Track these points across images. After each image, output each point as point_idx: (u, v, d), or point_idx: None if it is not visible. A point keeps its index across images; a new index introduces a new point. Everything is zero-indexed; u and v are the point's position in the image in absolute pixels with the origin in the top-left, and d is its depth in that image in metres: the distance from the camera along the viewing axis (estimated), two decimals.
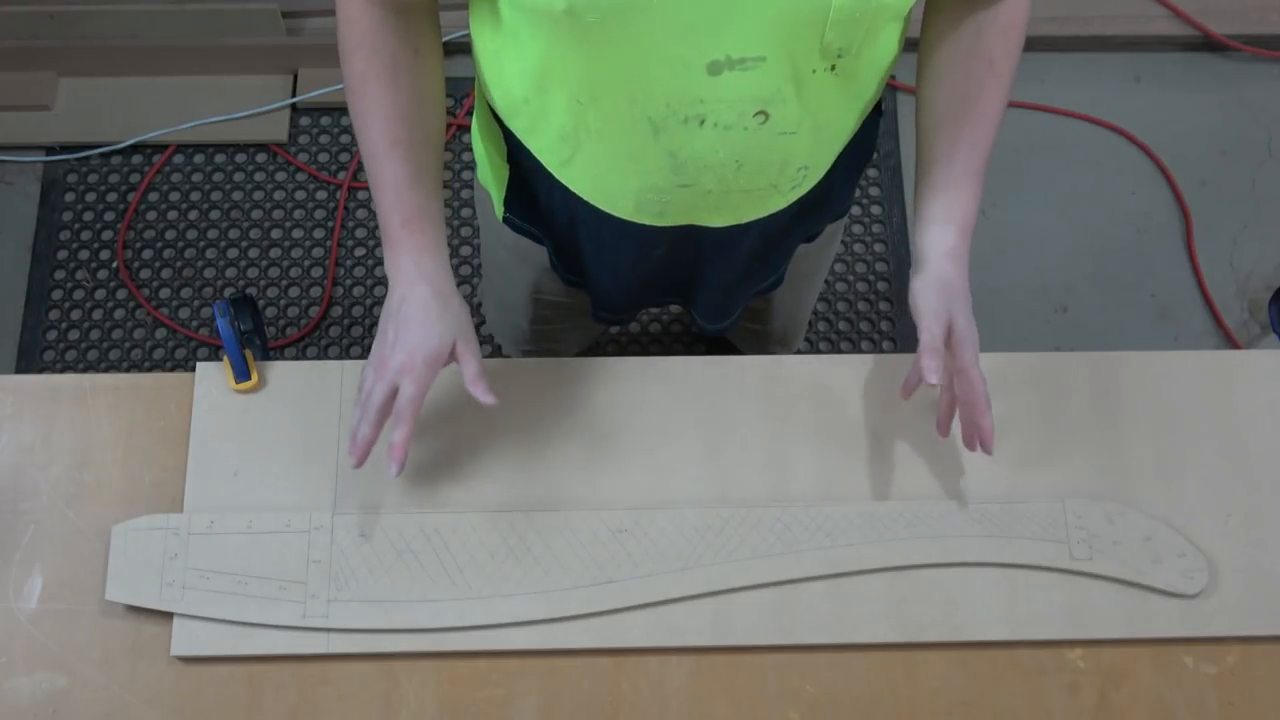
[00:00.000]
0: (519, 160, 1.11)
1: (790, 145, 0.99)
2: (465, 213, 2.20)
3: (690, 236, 1.11)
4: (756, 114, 0.94)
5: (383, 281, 2.13)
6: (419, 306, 1.01)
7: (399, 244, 1.02)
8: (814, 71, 0.92)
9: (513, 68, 0.99)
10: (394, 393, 1.00)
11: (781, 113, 0.95)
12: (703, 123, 0.94)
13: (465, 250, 2.16)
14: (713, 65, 0.89)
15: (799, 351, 2.01)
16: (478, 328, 2.06)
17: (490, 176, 1.18)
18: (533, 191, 1.13)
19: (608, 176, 1.04)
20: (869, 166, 2.24)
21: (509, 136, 1.09)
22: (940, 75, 1.03)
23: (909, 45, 1.04)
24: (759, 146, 0.98)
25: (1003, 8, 1.00)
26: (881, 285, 2.16)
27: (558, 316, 1.39)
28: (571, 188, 1.07)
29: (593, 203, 1.08)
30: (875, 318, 2.13)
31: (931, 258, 1.03)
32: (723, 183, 1.01)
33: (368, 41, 0.98)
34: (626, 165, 1.01)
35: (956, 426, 1.08)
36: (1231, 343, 2.14)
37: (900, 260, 2.18)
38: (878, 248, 2.19)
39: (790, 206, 1.10)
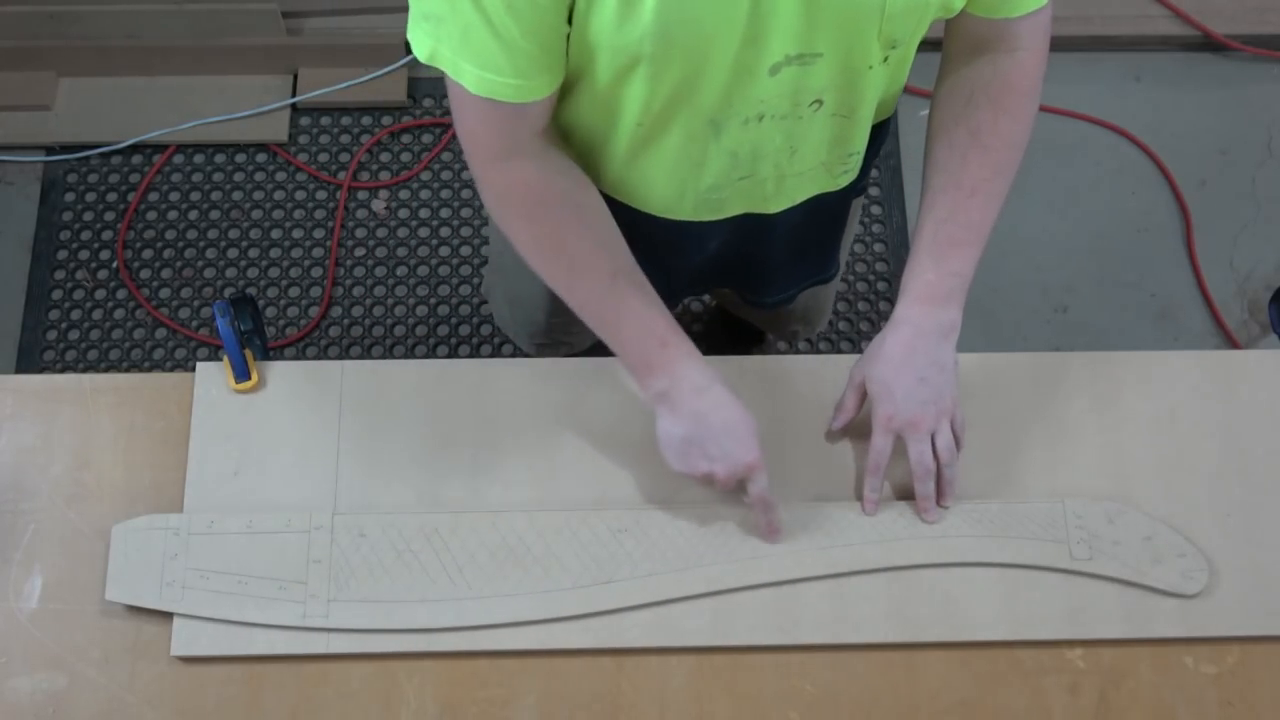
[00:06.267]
0: None
1: (841, 127, 1.01)
2: (466, 212, 2.20)
3: (745, 224, 1.12)
4: (813, 102, 0.96)
5: (383, 282, 2.13)
6: (728, 407, 1.01)
7: (667, 365, 1.01)
8: (870, 68, 0.94)
9: (571, 102, 0.99)
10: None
11: (835, 98, 0.97)
12: (761, 118, 0.96)
13: (465, 250, 2.16)
14: (773, 67, 0.91)
15: (798, 350, 2.01)
16: (487, 318, 2.06)
17: None
18: None
19: (665, 186, 1.05)
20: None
21: None
22: (931, 140, 1.05)
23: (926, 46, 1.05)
24: (814, 131, 1.00)
25: (999, 74, 1.00)
26: (881, 285, 2.16)
27: None
28: (627, 203, 1.08)
29: (648, 211, 1.08)
30: (875, 318, 2.13)
31: (887, 325, 1.07)
32: (778, 168, 1.04)
33: (547, 198, 0.97)
34: (686, 172, 1.02)
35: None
36: (1231, 343, 2.14)
37: (900, 260, 2.18)
38: (878, 248, 2.19)
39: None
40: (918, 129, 2.22)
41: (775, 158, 1.01)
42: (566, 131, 1.04)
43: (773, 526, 1.06)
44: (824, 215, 1.18)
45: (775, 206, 1.10)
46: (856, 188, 1.25)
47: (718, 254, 1.18)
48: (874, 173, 2.24)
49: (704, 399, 1.01)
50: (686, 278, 1.24)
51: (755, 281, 1.30)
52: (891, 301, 2.14)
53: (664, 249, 1.15)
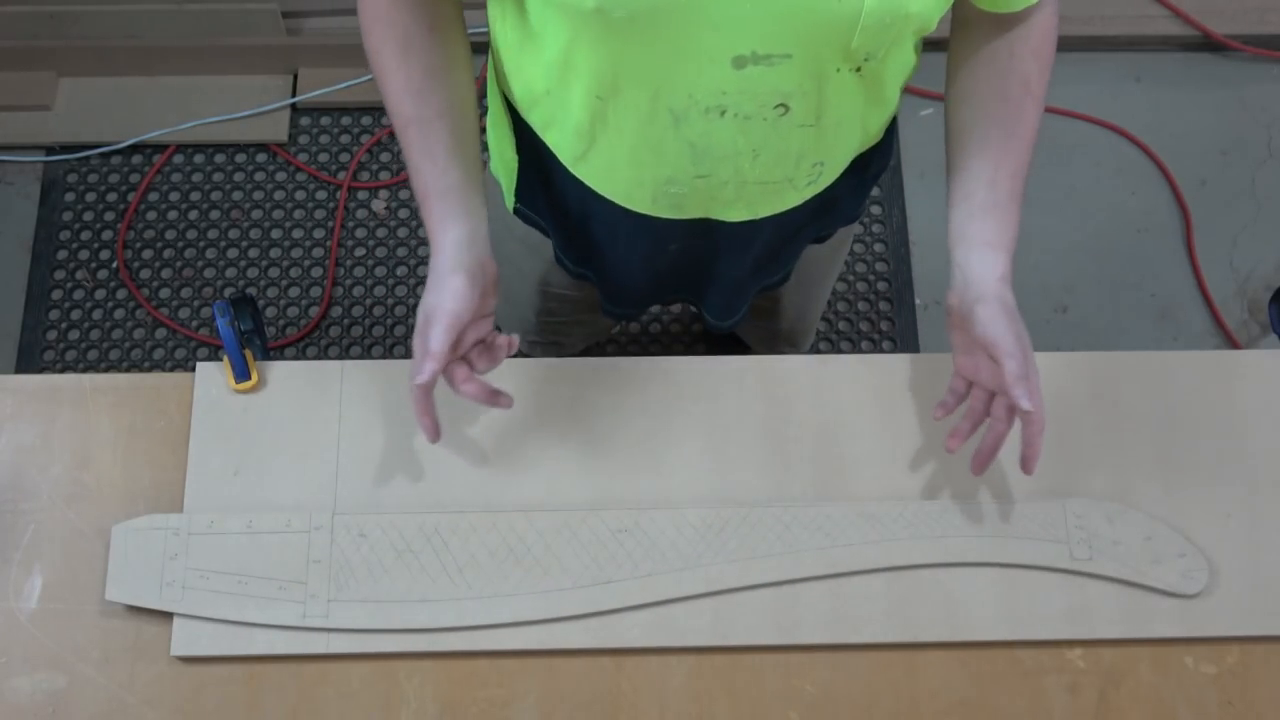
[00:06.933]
0: (531, 151, 1.11)
1: (808, 138, 1.00)
2: None
3: (705, 232, 1.11)
4: (777, 106, 0.95)
5: (382, 282, 2.13)
6: (435, 293, 1.00)
7: (430, 227, 1.03)
8: (838, 70, 0.93)
9: (534, 60, 0.99)
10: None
11: (802, 106, 0.96)
12: (723, 113, 0.95)
13: None
14: (738, 60, 0.90)
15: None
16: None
17: (500, 167, 1.19)
18: (544, 182, 1.13)
19: (625, 170, 1.04)
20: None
21: (519, 127, 1.10)
22: (976, 98, 1.03)
23: (927, 46, 1.04)
24: (777, 137, 0.98)
25: (1034, 29, 1.00)
26: (881, 285, 2.16)
27: (565, 310, 1.39)
28: (587, 182, 1.08)
29: (608, 197, 1.08)
30: (875, 318, 2.13)
31: (990, 282, 1.00)
32: (739, 173, 1.02)
33: (382, 17, 0.99)
34: (645, 157, 1.02)
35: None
36: (1231, 343, 2.14)
37: (899, 260, 2.18)
38: (878, 248, 2.19)
39: (806, 204, 1.10)
40: (917, 128, 2.22)
41: (735, 160, 1.00)
42: (533, 99, 1.05)
43: (424, 421, 1.02)
44: (787, 235, 1.16)
45: (736, 215, 1.09)
46: (848, 215, 1.24)
47: (677, 258, 1.18)
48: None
49: (432, 276, 1.00)
50: (651, 279, 1.24)
51: (710, 295, 1.29)
52: (891, 301, 2.15)
53: (623, 242, 1.15)
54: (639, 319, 2.10)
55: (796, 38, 0.88)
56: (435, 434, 1.03)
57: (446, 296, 0.99)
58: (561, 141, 1.06)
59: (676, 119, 0.96)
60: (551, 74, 0.99)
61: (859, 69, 0.94)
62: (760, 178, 1.03)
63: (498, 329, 1.05)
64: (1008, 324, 0.98)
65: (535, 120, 1.07)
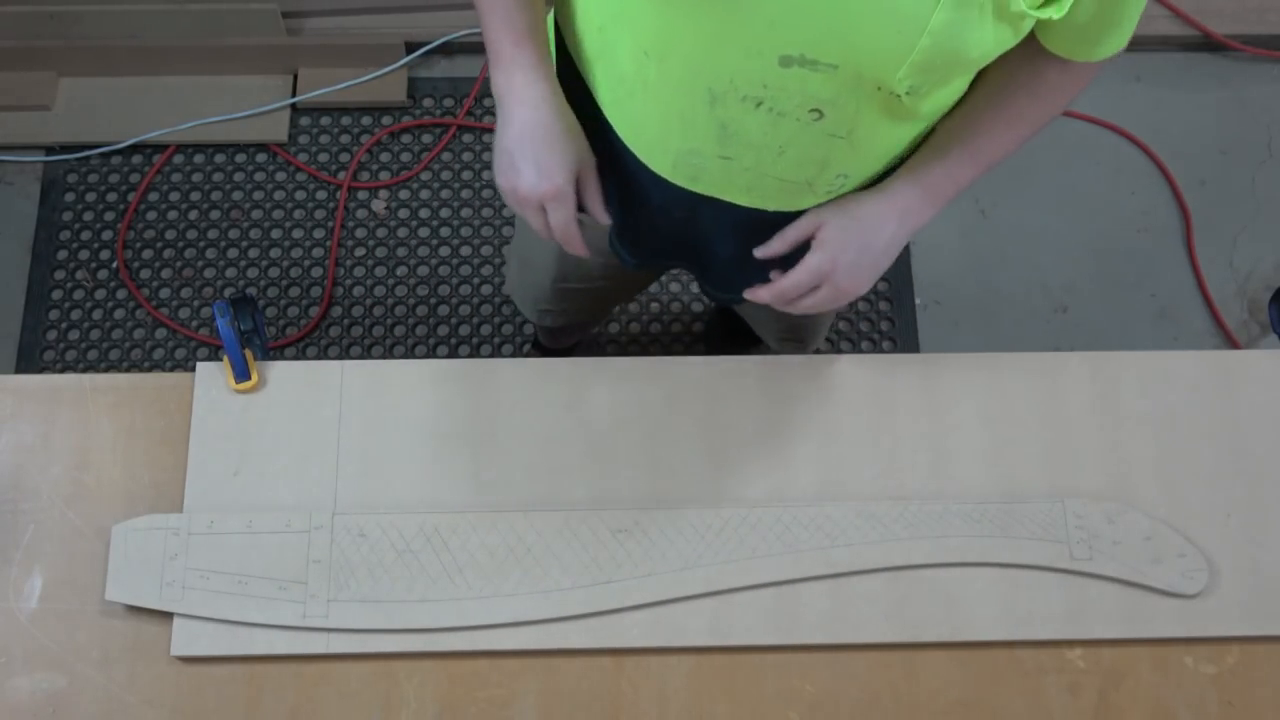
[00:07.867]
0: (569, 84, 1.11)
1: (835, 148, 1.01)
2: (466, 212, 2.20)
3: (714, 209, 1.12)
4: (812, 110, 0.96)
5: (382, 282, 2.13)
6: (543, 129, 1.02)
7: (513, 64, 1.01)
8: (879, 89, 0.94)
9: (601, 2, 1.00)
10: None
11: (836, 116, 0.96)
12: (759, 105, 0.96)
13: (465, 250, 2.16)
14: (785, 58, 0.91)
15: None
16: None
17: None
18: (578, 116, 1.13)
19: (652, 130, 1.05)
20: None
21: (562, 63, 1.10)
22: (987, 80, 1.03)
23: None
24: (806, 140, 0.99)
25: (1068, 61, 1.00)
26: (881, 285, 2.16)
27: (580, 278, 1.39)
28: (615, 129, 1.08)
29: (632, 150, 1.09)
30: (875, 318, 2.13)
31: (869, 190, 1.05)
32: (761, 164, 1.03)
33: None
34: (674, 125, 1.03)
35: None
36: (1231, 343, 2.14)
37: (899, 260, 2.18)
38: None
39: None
40: None
41: (761, 152, 1.01)
42: (586, 29, 1.05)
43: (573, 248, 1.07)
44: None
45: (748, 201, 1.10)
46: None
47: (682, 224, 1.18)
48: None
49: (526, 111, 1.01)
50: (653, 233, 1.23)
51: (709, 267, 1.29)
52: (891, 301, 2.15)
53: (636, 194, 1.15)
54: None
55: (846, 52, 0.89)
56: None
57: (561, 144, 1.02)
58: (604, 80, 1.06)
59: (713, 98, 0.97)
60: (607, 12, 0.99)
61: (900, 96, 0.94)
62: (782, 174, 1.04)
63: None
64: (819, 210, 1.06)
65: (587, 49, 1.07)
